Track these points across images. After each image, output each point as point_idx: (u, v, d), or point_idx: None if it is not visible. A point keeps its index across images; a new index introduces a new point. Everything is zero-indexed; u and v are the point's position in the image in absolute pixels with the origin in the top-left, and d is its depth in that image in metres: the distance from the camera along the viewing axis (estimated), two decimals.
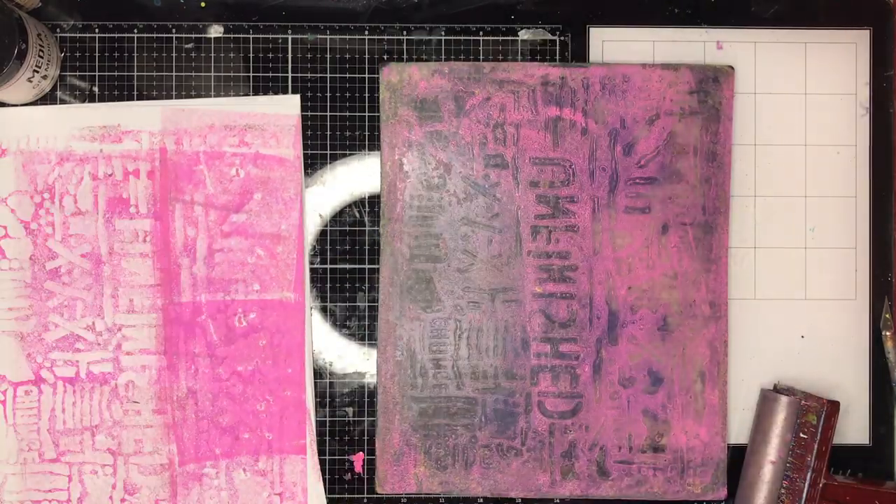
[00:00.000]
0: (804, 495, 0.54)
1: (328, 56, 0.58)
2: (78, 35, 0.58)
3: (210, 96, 0.57)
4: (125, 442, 0.57)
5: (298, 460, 0.57)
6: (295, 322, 0.57)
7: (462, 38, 0.58)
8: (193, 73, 0.58)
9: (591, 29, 0.58)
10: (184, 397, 0.57)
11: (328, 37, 0.58)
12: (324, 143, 0.58)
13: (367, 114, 0.58)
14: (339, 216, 0.58)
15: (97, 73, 0.58)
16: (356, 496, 0.58)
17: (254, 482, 0.57)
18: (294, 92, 0.58)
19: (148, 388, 0.57)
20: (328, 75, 0.58)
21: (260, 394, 0.57)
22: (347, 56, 0.58)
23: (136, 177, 0.57)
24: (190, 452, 0.57)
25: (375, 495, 0.57)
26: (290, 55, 0.58)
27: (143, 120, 0.57)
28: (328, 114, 0.58)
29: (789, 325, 0.58)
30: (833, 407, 0.54)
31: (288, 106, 0.57)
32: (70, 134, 0.57)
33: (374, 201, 0.58)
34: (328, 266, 0.58)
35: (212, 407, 0.57)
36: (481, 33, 0.58)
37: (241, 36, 0.58)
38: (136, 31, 0.58)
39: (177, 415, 0.57)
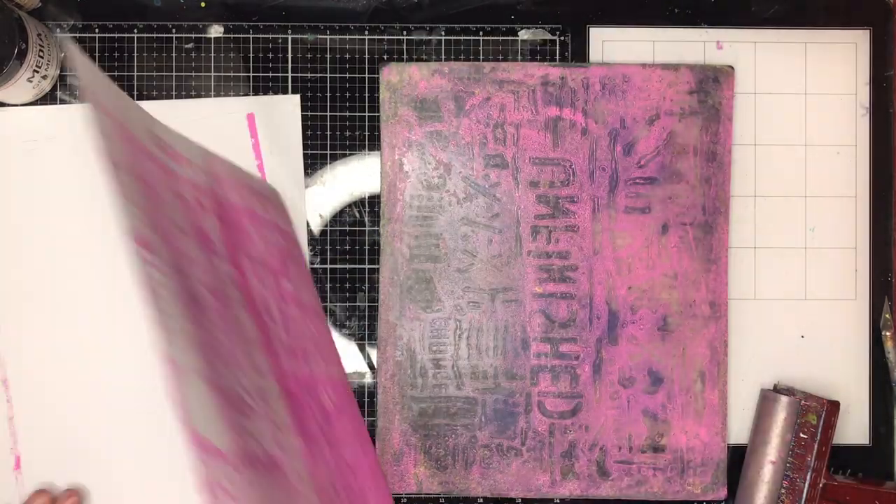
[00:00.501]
0: (804, 495, 0.54)
1: (328, 56, 0.58)
2: (78, 35, 0.58)
3: (210, 96, 0.57)
4: None
5: None
6: None
7: (462, 38, 0.58)
8: (193, 73, 0.58)
9: (591, 29, 0.58)
10: None
11: (328, 37, 0.58)
12: (324, 143, 0.58)
13: (367, 114, 0.58)
14: (339, 216, 0.58)
15: None
16: None
17: None
18: (294, 92, 0.58)
19: None
20: (328, 75, 0.58)
21: None
22: (347, 56, 0.58)
23: None
24: None
25: None
26: (290, 55, 0.58)
27: None
28: (328, 114, 0.58)
29: (789, 325, 0.58)
30: (833, 407, 0.54)
31: (288, 106, 0.57)
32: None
33: (374, 201, 0.58)
34: (328, 266, 0.58)
35: None
36: (481, 33, 0.58)
37: (241, 36, 0.58)
38: (136, 31, 0.58)
39: None
